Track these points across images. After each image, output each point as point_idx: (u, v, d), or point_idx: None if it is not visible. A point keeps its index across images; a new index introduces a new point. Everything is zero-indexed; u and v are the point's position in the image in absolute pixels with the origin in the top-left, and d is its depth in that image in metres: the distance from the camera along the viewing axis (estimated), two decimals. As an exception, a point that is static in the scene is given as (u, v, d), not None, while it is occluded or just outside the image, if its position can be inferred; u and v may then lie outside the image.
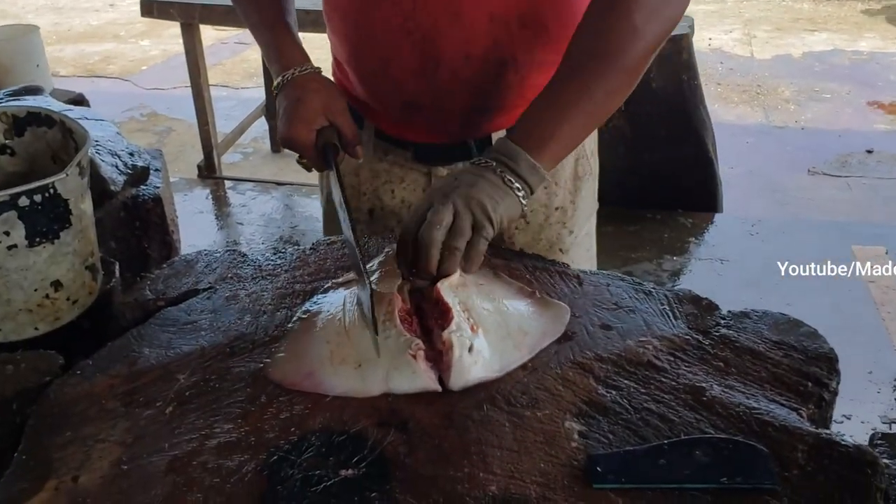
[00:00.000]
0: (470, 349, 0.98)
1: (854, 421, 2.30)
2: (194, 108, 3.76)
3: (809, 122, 4.55)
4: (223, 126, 4.07)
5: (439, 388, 0.97)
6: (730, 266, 3.06)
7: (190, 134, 4.36)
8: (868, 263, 3.03)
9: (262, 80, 4.40)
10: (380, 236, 1.32)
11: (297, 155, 1.26)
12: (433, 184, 1.07)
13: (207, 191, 3.84)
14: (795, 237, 3.27)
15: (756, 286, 2.92)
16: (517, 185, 1.06)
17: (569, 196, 1.37)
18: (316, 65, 1.27)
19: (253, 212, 3.66)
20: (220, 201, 3.79)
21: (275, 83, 1.24)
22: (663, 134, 3.36)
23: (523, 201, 1.07)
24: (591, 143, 1.41)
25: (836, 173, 3.94)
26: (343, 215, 1.12)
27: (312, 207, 3.67)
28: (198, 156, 3.99)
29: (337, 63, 1.39)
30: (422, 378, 0.96)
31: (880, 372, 2.52)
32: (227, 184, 3.91)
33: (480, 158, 1.08)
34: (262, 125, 4.27)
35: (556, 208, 1.37)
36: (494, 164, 1.07)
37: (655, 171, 3.38)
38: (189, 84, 3.76)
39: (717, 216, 3.43)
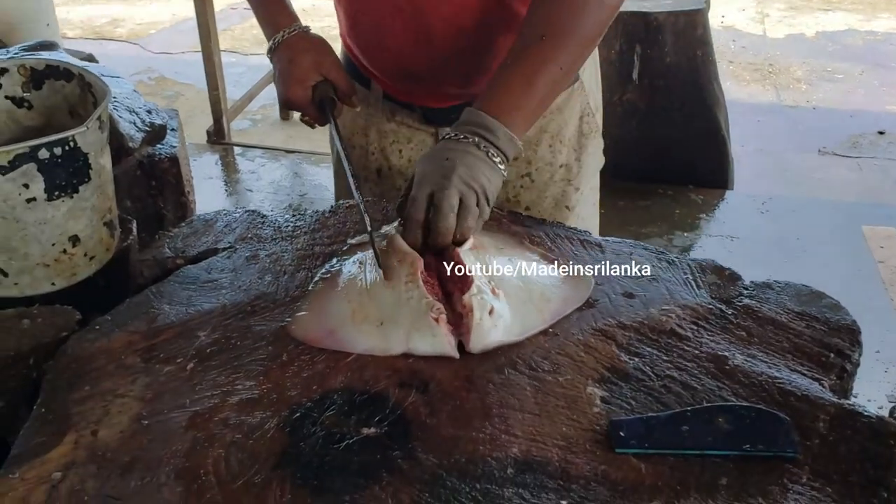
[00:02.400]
0: (490, 312, 0.98)
1: (861, 399, 2.30)
2: (204, 72, 3.73)
3: (821, 102, 4.51)
4: (232, 93, 4.04)
5: (457, 355, 0.96)
6: (740, 243, 3.05)
7: (199, 99, 4.33)
8: (878, 244, 3.02)
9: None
10: (388, 200, 1.31)
11: (300, 114, 1.30)
12: (420, 164, 1.09)
13: (216, 156, 3.82)
14: (806, 216, 3.25)
15: (766, 264, 2.91)
16: (498, 158, 1.07)
17: (573, 154, 1.38)
18: (320, 30, 1.29)
19: (262, 179, 3.64)
20: (229, 167, 3.77)
21: (267, 48, 1.29)
22: (676, 109, 3.33)
23: (504, 173, 1.09)
24: (595, 99, 1.41)
25: (847, 154, 3.92)
26: (345, 163, 1.17)
27: (321, 176, 3.65)
28: (206, 121, 3.96)
29: (342, 33, 1.40)
30: (441, 342, 0.96)
31: (888, 351, 2.51)
32: (236, 150, 3.89)
33: (458, 133, 1.08)
34: (271, 92, 4.24)
35: (561, 166, 1.37)
36: (476, 139, 1.07)
37: (667, 146, 3.35)
38: (198, 49, 3.73)
39: (728, 193, 3.41)
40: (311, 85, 1.25)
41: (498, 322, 0.98)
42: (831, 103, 4.49)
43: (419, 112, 1.35)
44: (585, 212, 1.44)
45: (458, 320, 0.99)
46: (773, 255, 3.00)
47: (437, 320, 0.96)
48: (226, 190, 3.58)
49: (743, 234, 3.12)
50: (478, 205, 1.06)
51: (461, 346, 0.97)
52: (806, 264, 2.93)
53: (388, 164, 1.41)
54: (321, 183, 3.60)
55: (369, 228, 1.07)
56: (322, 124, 1.30)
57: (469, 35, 1.21)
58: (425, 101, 1.33)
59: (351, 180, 1.16)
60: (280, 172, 3.69)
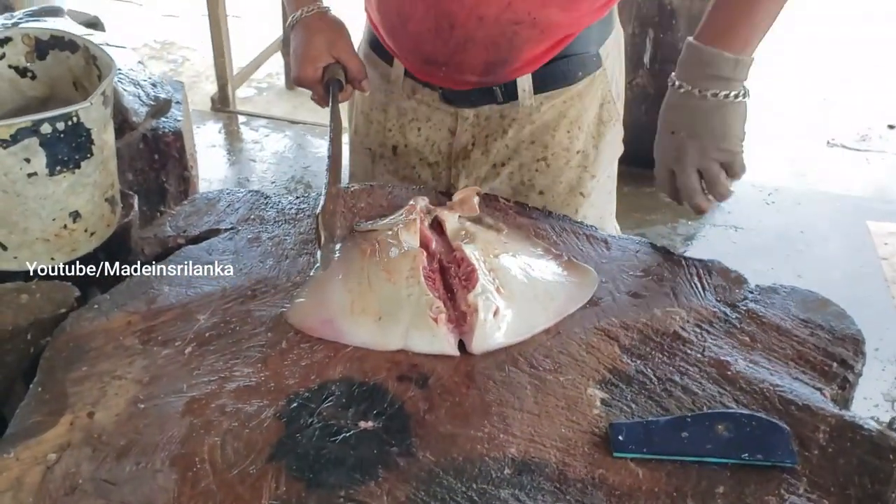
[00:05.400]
0: (495, 313, 0.97)
1: (857, 397, 2.29)
2: (210, 37, 3.68)
3: (831, 94, 4.47)
4: (238, 59, 3.99)
5: (457, 354, 0.96)
6: (744, 234, 3.03)
7: (204, 65, 4.28)
8: (882, 240, 3.01)
9: (279, 14, 4.30)
10: (405, 185, 1.30)
11: (311, 93, 1.31)
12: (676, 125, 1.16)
13: (220, 124, 3.79)
14: (811, 209, 3.23)
15: (769, 255, 2.90)
16: (727, 93, 1.11)
17: (591, 140, 1.36)
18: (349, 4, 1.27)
19: (266, 149, 3.61)
20: (233, 136, 3.73)
21: (287, 25, 1.29)
22: (686, 95, 3.29)
23: (745, 99, 1.13)
24: (618, 86, 1.40)
25: (856, 147, 3.89)
26: (329, 148, 1.21)
27: (325, 148, 3.62)
28: (211, 88, 3.92)
29: (367, 7, 1.39)
30: (440, 342, 0.95)
31: (886, 349, 2.51)
32: (241, 119, 3.85)
33: (685, 84, 1.13)
34: (277, 60, 4.19)
35: (578, 152, 1.35)
36: (699, 91, 1.11)
37: (675, 133, 3.32)
38: (205, 13, 3.68)
39: (734, 183, 3.38)
40: (322, 66, 1.25)
41: (502, 324, 0.97)
42: (841, 95, 4.45)
43: (439, 92, 1.34)
44: (600, 199, 1.42)
45: (461, 318, 0.98)
46: (776, 247, 2.99)
47: (436, 320, 0.96)
48: (228, 159, 3.55)
49: (747, 225, 3.10)
50: (726, 167, 1.14)
51: (462, 345, 0.97)
52: (809, 258, 2.92)
53: (404, 141, 1.40)
54: (325, 156, 3.56)
55: (318, 212, 1.07)
56: (328, 106, 1.28)
57: (490, 25, 1.19)
58: (445, 83, 1.32)
59: (328, 159, 1.18)
60: (284, 143, 3.66)
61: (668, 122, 1.17)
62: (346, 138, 1.36)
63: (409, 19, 1.24)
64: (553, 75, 1.29)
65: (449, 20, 1.20)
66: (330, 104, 1.24)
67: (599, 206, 1.42)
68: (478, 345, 0.95)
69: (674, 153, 1.15)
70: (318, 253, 1.06)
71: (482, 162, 1.36)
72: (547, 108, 1.31)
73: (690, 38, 1.13)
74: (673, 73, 1.16)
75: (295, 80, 1.29)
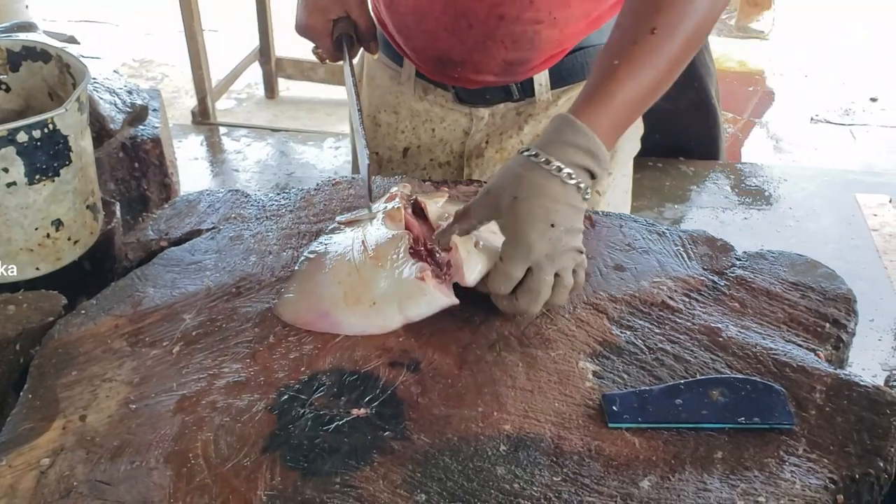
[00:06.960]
0: (476, 244, 0.97)
1: (855, 368, 2.29)
2: (188, 52, 3.67)
3: (812, 70, 4.48)
4: (216, 72, 3.99)
5: (456, 301, 0.95)
6: (731, 214, 3.04)
7: (183, 80, 4.28)
8: (871, 212, 3.01)
9: (254, 26, 4.30)
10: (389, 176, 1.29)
11: (314, 45, 1.27)
12: (513, 213, 0.91)
13: (202, 137, 3.78)
14: (798, 185, 3.24)
15: (758, 233, 2.91)
16: (578, 181, 0.92)
17: None
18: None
19: (248, 158, 3.60)
20: (215, 148, 3.73)
21: None
22: (666, 80, 3.29)
23: (587, 196, 0.94)
24: None
25: (840, 121, 3.90)
26: (352, 101, 1.15)
27: (308, 154, 3.61)
28: (191, 101, 3.91)
29: (375, 7, 1.35)
30: (436, 297, 0.95)
31: (881, 319, 2.51)
32: (222, 130, 3.84)
33: (534, 152, 0.92)
34: (255, 71, 4.19)
35: None
36: (583, 179, 0.93)
37: (657, 118, 3.31)
38: (182, 29, 3.67)
39: (719, 164, 3.39)
40: (332, 18, 1.21)
41: (484, 251, 0.96)
42: (823, 70, 4.47)
43: (452, 92, 1.31)
44: (615, 197, 1.38)
45: (446, 266, 0.98)
46: (765, 225, 2.99)
47: (423, 279, 0.95)
48: (211, 171, 3.54)
49: (734, 206, 3.10)
50: (575, 271, 0.94)
51: (458, 291, 0.96)
52: (799, 233, 2.92)
53: (417, 142, 1.37)
54: (308, 161, 3.56)
55: (367, 162, 1.06)
56: (334, 60, 1.25)
57: (510, 24, 1.16)
58: (459, 83, 1.29)
59: (356, 114, 1.14)
60: (266, 151, 3.65)
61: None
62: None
63: (424, 17, 1.20)
64: (570, 69, 1.26)
65: (467, 19, 1.17)
66: (346, 60, 1.20)
67: (615, 204, 1.37)
68: (469, 275, 0.94)
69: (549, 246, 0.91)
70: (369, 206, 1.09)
71: (496, 160, 1.33)
72: (564, 101, 1.28)
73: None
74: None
75: (300, 30, 1.23)
